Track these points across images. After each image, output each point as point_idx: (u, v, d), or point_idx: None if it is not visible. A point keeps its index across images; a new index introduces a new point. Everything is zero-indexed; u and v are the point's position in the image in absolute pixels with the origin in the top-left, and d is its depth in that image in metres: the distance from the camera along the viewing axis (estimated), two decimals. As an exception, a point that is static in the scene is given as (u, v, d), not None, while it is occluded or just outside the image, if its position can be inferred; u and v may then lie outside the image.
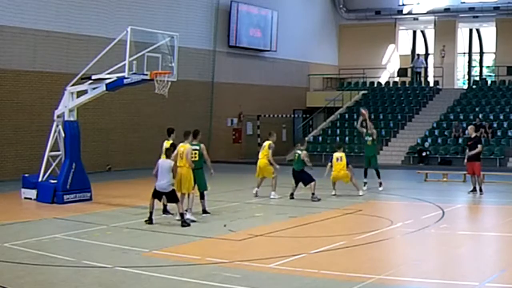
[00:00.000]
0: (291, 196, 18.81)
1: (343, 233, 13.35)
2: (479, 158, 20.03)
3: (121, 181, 23.33)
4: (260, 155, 19.19)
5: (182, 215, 14.43)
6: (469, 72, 42.45)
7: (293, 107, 38.45)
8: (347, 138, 33.94)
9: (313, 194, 18.45)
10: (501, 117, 32.66)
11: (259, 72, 36.19)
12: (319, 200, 18.26)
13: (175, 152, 15.12)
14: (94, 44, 24.39)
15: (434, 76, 39.49)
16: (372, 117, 35.25)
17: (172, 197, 14.65)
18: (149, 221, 14.59)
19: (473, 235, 13.86)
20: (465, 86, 39.83)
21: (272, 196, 18.84)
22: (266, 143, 19.20)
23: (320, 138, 34.73)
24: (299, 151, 18.88)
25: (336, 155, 19.92)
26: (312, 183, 18.60)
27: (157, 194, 14.70)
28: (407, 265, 10.97)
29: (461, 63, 42.28)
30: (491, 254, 11.98)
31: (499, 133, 31.45)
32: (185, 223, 14.30)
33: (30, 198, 18.55)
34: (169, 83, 17.77)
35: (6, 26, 23.75)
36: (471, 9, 38.14)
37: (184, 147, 15.11)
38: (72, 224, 14.85)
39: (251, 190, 19.65)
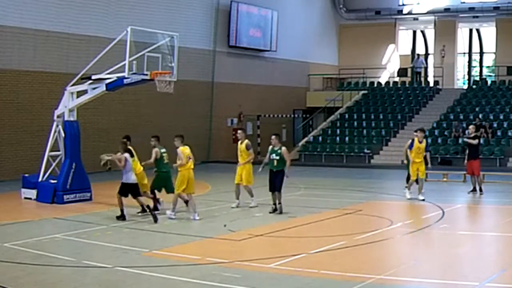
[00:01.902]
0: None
1: (343, 233, 13.35)
2: (478, 156, 20.06)
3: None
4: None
5: (149, 207, 15.20)
6: (469, 72, 42.44)
7: (293, 107, 38.44)
8: (347, 138, 33.94)
9: (279, 203, 16.24)
10: (501, 117, 32.66)
11: (259, 72, 36.18)
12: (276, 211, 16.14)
13: (181, 154, 15.11)
14: (94, 44, 24.40)
15: (434, 76, 39.48)
16: (372, 117, 35.44)
17: (137, 190, 15.44)
18: (122, 217, 15.06)
19: (473, 235, 13.87)
20: (465, 86, 39.81)
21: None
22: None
23: (320, 138, 34.73)
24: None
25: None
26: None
27: (125, 190, 15.27)
28: (407, 265, 10.97)
29: (461, 63, 42.27)
30: (491, 254, 11.99)
31: (499, 133, 31.45)
32: (155, 217, 14.86)
33: (30, 198, 18.55)
34: (173, 82, 17.80)
35: (6, 26, 23.74)
36: (471, 9, 38.12)
37: (188, 150, 15.35)
38: (72, 224, 14.86)
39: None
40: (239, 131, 17.91)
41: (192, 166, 15.26)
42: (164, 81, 17.70)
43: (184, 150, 15.19)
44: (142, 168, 16.27)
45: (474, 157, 19.79)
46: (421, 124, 33.83)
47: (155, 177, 16.39)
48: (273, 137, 16.42)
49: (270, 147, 16.30)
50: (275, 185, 16.06)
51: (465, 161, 20.10)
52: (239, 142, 17.36)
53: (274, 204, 16.19)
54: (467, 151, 20.23)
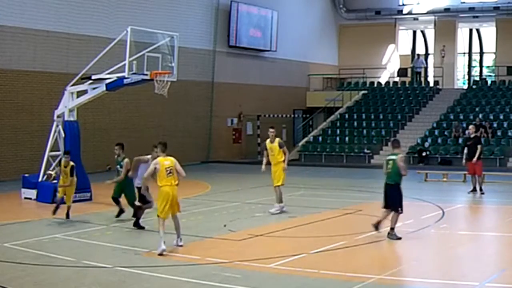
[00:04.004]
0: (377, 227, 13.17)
1: (343, 233, 13.34)
2: (480, 157, 20.02)
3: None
4: None
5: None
6: (469, 72, 42.45)
7: (293, 107, 38.45)
8: (347, 138, 33.94)
9: (392, 229, 12.83)
10: (501, 117, 32.66)
11: (259, 72, 36.20)
12: (399, 238, 12.73)
13: (157, 167, 11.87)
14: (94, 44, 24.40)
15: (434, 76, 39.49)
16: (372, 117, 35.43)
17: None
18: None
19: (473, 235, 13.87)
20: (465, 86, 39.82)
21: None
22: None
23: (320, 138, 34.73)
24: (393, 156, 13.07)
25: None
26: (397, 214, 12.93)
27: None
28: (407, 265, 10.98)
29: (461, 63, 42.28)
30: (491, 254, 12.00)
31: (499, 133, 31.44)
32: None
33: (30, 198, 18.55)
34: (169, 83, 17.78)
35: (6, 26, 23.75)
36: (471, 9, 38.15)
37: (171, 161, 12.01)
38: (72, 224, 14.84)
39: (251, 190, 19.63)
40: (271, 130, 16.39)
41: (176, 182, 11.90)
42: (162, 82, 17.69)
43: (162, 162, 11.90)
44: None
45: (476, 158, 19.72)
46: (421, 124, 33.94)
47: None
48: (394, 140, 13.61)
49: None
50: (391, 202, 12.94)
51: (463, 161, 20.04)
52: (269, 141, 16.30)
53: (392, 228, 12.76)
54: (465, 151, 20.16)
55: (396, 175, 12.86)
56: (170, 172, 11.85)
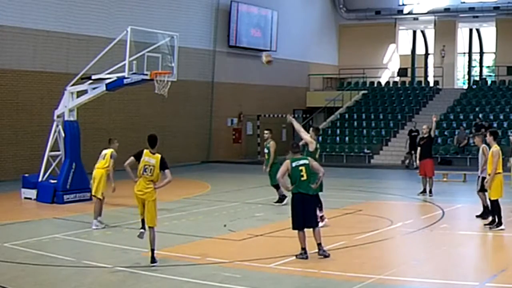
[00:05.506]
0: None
1: (343, 233, 13.34)
2: (431, 155, 19.60)
3: (121, 181, 23.32)
4: (98, 165, 15.05)
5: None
6: (469, 72, 42.46)
7: (293, 107, 38.39)
8: (347, 138, 33.94)
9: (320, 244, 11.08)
10: (501, 117, 32.65)
11: (259, 72, 36.11)
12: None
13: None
14: (94, 44, 24.40)
15: (434, 76, 39.50)
16: (372, 117, 35.42)
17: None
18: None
19: (473, 235, 13.86)
20: (465, 86, 39.83)
21: (94, 226, 14.12)
22: (108, 152, 15.05)
23: (320, 138, 34.70)
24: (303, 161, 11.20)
25: None
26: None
27: None
28: (407, 265, 10.97)
29: (461, 63, 42.29)
30: (491, 254, 11.99)
31: (499, 133, 31.37)
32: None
33: (30, 198, 18.55)
34: (169, 83, 17.78)
35: (6, 26, 23.74)
36: (471, 9, 38.15)
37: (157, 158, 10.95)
38: (72, 224, 14.86)
39: (251, 190, 19.59)
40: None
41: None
42: (162, 82, 17.70)
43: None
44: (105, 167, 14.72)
45: (427, 156, 19.38)
46: (420, 124, 33.84)
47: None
48: None
49: None
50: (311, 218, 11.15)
51: (418, 161, 19.61)
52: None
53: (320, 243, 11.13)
54: (418, 150, 19.70)
55: (311, 182, 10.98)
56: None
